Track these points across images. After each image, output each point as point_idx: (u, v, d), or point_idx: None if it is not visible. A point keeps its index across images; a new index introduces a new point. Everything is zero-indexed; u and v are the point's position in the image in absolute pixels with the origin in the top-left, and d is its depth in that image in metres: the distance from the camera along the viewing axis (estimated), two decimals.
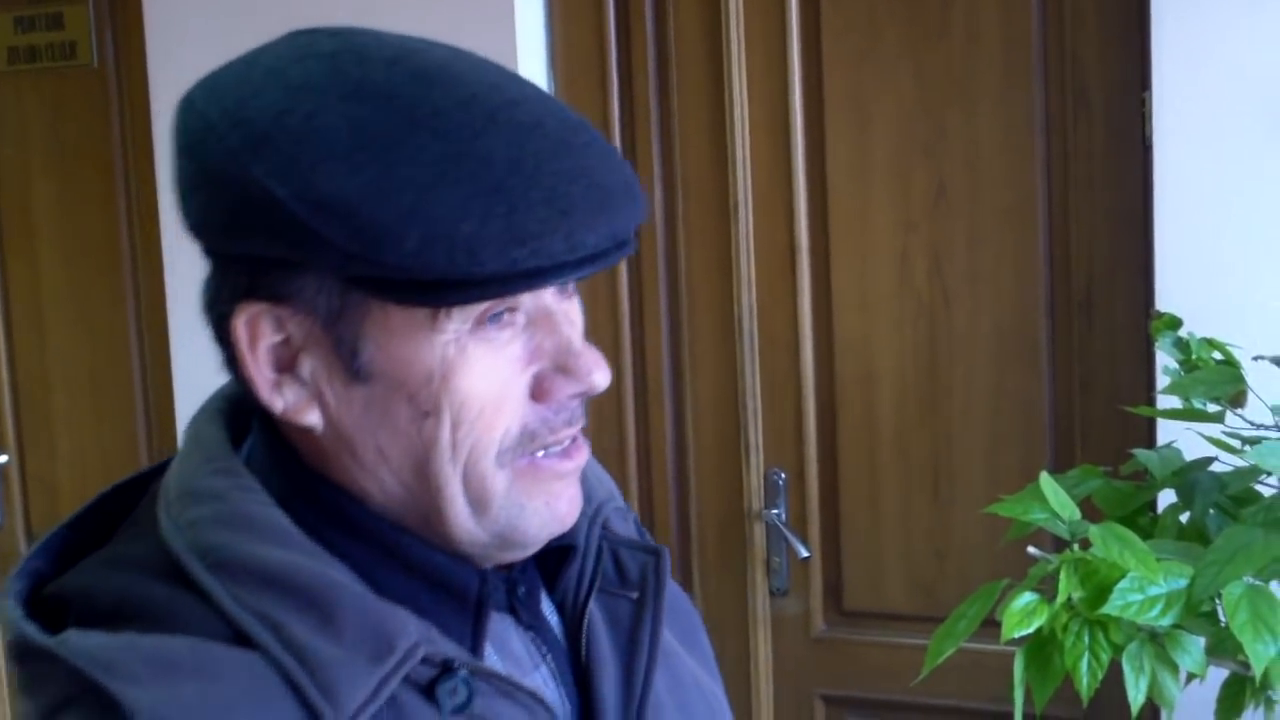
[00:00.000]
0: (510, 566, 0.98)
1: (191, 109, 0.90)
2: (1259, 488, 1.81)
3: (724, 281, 2.76)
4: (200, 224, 0.91)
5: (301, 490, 0.93)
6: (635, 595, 1.04)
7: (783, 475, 2.73)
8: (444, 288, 0.84)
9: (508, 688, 0.91)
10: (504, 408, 0.89)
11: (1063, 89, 2.48)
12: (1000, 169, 2.54)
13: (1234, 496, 1.81)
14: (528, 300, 0.90)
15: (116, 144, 3.34)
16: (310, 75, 0.87)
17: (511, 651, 0.97)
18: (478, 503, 0.91)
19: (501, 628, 0.97)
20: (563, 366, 0.91)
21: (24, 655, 0.87)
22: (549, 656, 0.99)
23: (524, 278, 0.84)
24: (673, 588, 1.12)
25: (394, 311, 0.86)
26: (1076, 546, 1.66)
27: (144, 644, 0.83)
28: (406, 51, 0.89)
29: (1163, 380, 2.02)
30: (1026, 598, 1.65)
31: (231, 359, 0.92)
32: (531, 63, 2.83)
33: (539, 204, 0.83)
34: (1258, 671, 1.56)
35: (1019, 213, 2.53)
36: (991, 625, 1.68)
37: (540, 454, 0.92)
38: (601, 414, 2.89)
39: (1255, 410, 1.85)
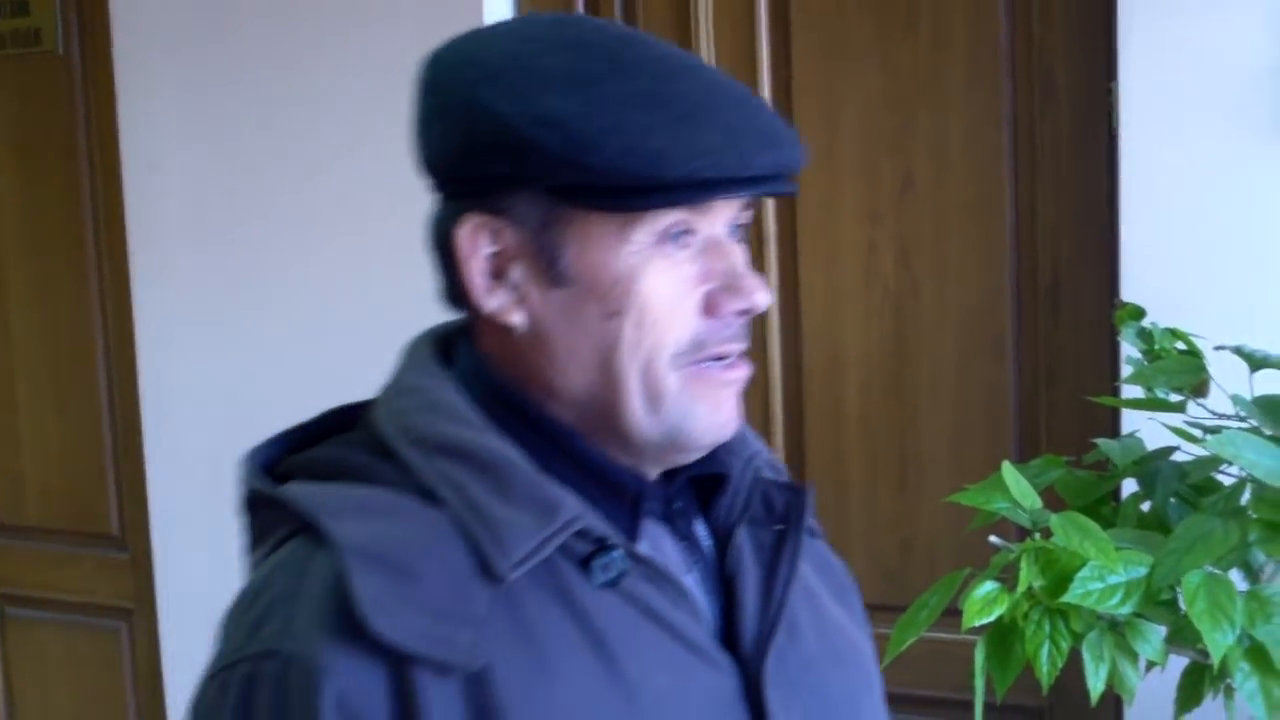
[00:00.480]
0: (671, 482, 1.12)
1: (436, 61, 1.09)
2: (1219, 477, 1.82)
3: None
4: (437, 154, 1.08)
5: (494, 393, 1.08)
6: (780, 527, 1.16)
7: None
8: (636, 193, 1.00)
9: (656, 574, 1.05)
10: (678, 316, 1.04)
11: (1029, 81, 2.49)
12: (967, 161, 2.54)
13: (1195, 485, 1.82)
14: (703, 229, 1.05)
15: (81, 131, 3.33)
16: (534, 32, 1.05)
17: (664, 552, 1.10)
18: (652, 399, 1.05)
19: (657, 533, 1.11)
20: (730, 286, 1.05)
21: (255, 505, 1.09)
22: (699, 567, 1.12)
23: (702, 187, 1.00)
24: (828, 552, 1.31)
25: (592, 222, 1.02)
26: (1038, 535, 1.67)
27: (350, 492, 1.03)
28: (610, 23, 1.10)
29: (1126, 370, 2.03)
30: (987, 587, 1.66)
31: (450, 279, 1.09)
32: None
33: (719, 130, 1.00)
34: (1215, 660, 1.57)
35: (985, 204, 2.54)
36: (954, 614, 1.69)
37: (707, 364, 1.06)
38: None
39: (1217, 400, 1.85)
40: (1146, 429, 2.01)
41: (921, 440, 2.62)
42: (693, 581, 1.11)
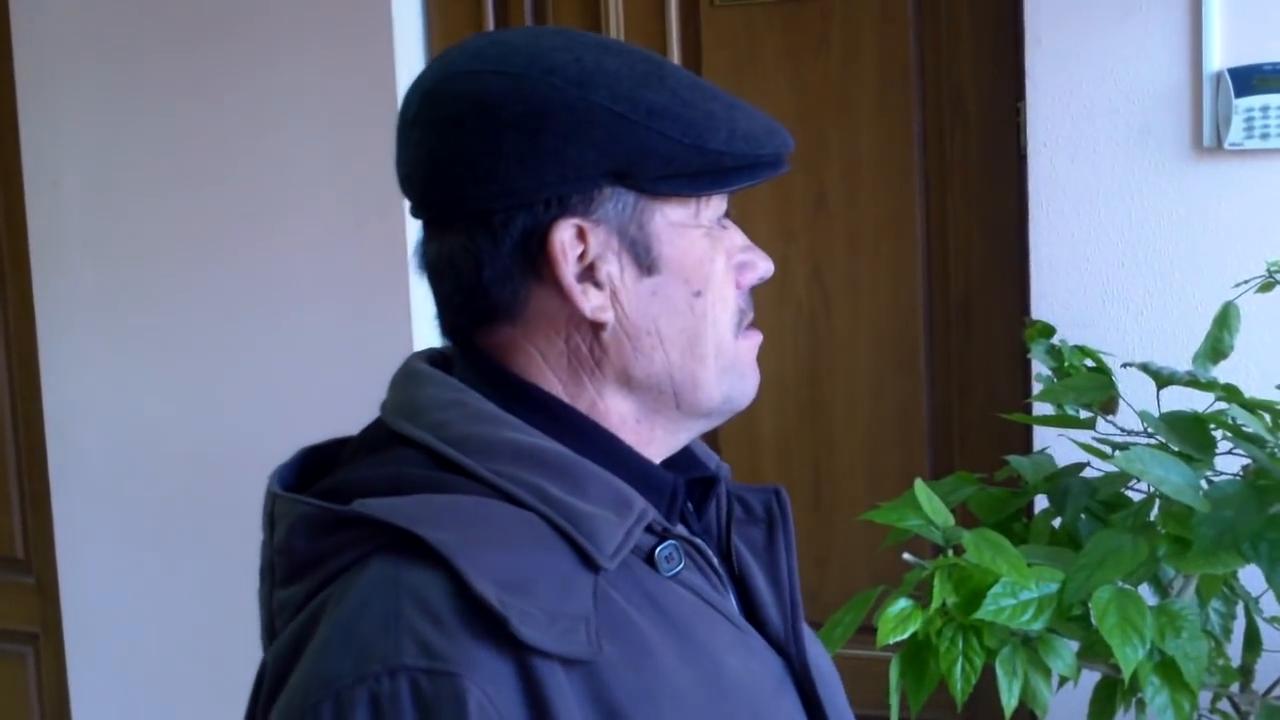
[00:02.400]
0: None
1: (474, 78, 1.06)
2: (1128, 493, 1.84)
3: None
4: (515, 167, 1.05)
5: (516, 400, 1.08)
6: (764, 523, 1.20)
7: None
8: (734, 172, 1.07)
9: (704, 564, 1.09)
10: (729, 289, 1.09)
11: (939, 99, 2.51)
12: (879, 178, 2.56)
13: (1104, 501, 1.84)
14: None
15: None
16: (560, 40, 1.08)
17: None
18: (724, 368, 1.10)
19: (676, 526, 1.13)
20: (748, 261, 1.11)
21: (321, 528, 1.02)
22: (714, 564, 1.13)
23: (769, 165, 1.08)
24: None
25: (670, 210, 1.07)
26: (951, 552, 1.67)
27: (436, 500, 1.00)
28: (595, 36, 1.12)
29: (1037, 386, 2.05)
30: (901, 604, 1.66)
31: (480, 297, 1.08)
32: (410, 71, 2.80)
33: (754, 116, 1.07)
34: (1126, 674, 1.58)
35: (897, 222, 2.55)
36: (869, 630, 1.69)
37: (745, 331, 1.12)
38: None
39: (1125, 416, 1.87)
40: (1057, 445, 2.03)
41: (836, 457, 2.63)
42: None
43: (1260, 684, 1.88)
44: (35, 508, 3.31)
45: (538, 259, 1.06)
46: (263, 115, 2.90)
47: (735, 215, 1.13)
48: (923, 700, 1.71)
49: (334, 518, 1.01)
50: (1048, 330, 2.03)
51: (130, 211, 3.05)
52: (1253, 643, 1.88)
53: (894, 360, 2.57)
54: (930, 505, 1.70)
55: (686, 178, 1.06)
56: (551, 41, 1.07)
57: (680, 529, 1.09)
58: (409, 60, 2.81)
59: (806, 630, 1.20)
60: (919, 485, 1.72)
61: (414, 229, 3.04)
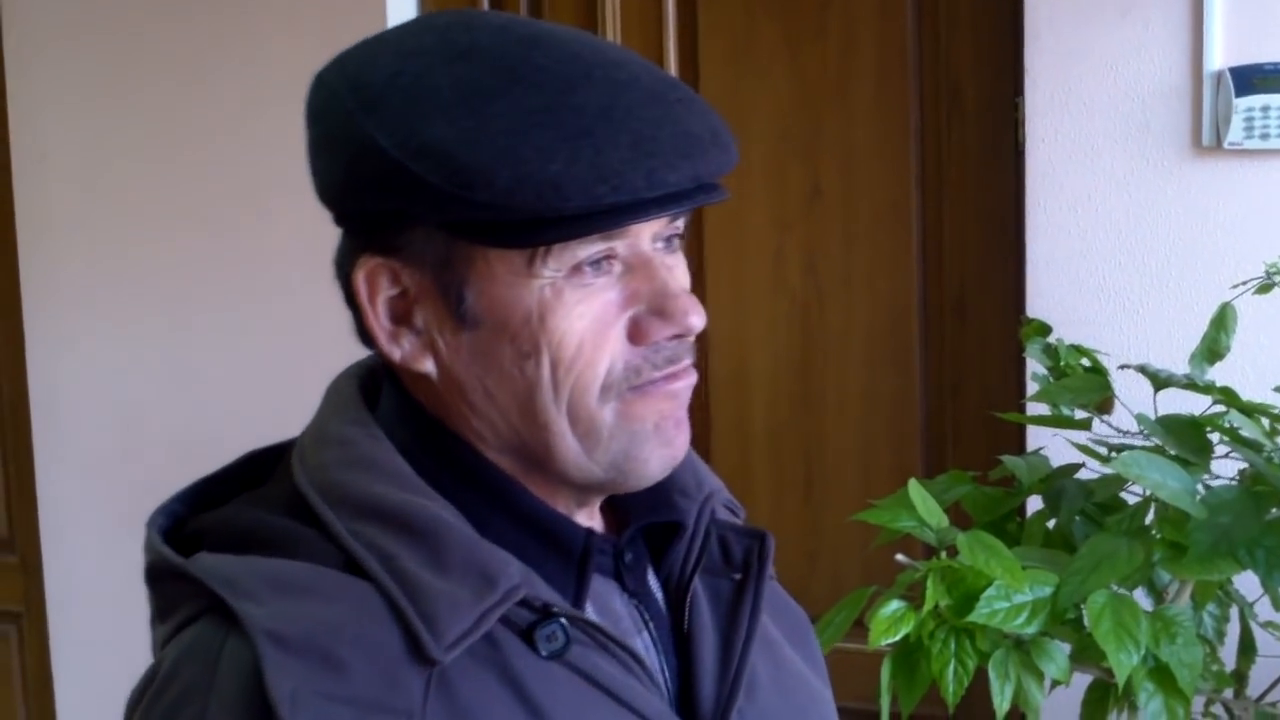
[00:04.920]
0: (619, 534, 1.03)
1: (319, 83, 0.99)
2: (1123, 495, 1.83)
3: None
4: (325, 187, 0.99)
5: (424, 441, 0.98)
6: (738, 576, 1.07)
7: None
8: (536, 227, 0.90)
9: (606, 641, 0.96)
10: (602, 348, 0.94)
11: (937, 93, 2.49)
12: (875, 171, 2.54)
13: (1100, 504, 1.83)
14: (624, 249, 0.94)
15: None
16: (423, 42, 0.94)
17: (614, 613, 1.01)
18: (586, 438, 0.95)
19: (605, 590, 1.01)
20: (658, 309, 0.95)
21: (160, 576, 0.97)
22: (651, 625, 1.03)
23: (608, 214, 0.90)
24: (783, 593, 1.20)
25: (494, 258, 0.92)
26: (944, 554, 1.66)
27: (264, 565, 0.91)
28: (515, 23, 0.97)
29: (1032, 385, 2.03)
30: (894, 605, 1.65)
31: (358, 318, 0.99)
32: None
33: (624, 146, 0.89)
34: (1120, 680, 1.58)
35: (893, 214, 2.54)
36: (859, 623, 1.69)
37: (644, 386, 0.96)
38: None
39: (1121, 417, 1.86)
40: (1051, 444, 2.02)
41: (827, 452, 2.62)
42: (645, 643, 1.02)
43: (1254, 689, 1.87)
44: (20, 486, 3.29)
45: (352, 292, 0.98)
46: (255, 94, 2.87)
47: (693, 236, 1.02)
48: (914, 702, 1.70)
49: (169, 570, 0.95)
50: (1044, 329, 2.02)
51: (120, 190, 3.03)
52: (1247, 648, 1.87)
53: (887, 354, 2.56)
54: (924, 506, 1.69)
55: (490, 228, 0.91)
56: (398, 44, 0.96)
57: (559, 605, 0.94)
58: None
59: (789, 709, 1.09)
60: (913, 485, 1.71)
61: None
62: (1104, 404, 1.89)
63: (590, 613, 0.98)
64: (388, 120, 0.91)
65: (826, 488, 2.62)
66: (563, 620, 0.94)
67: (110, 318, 3.09)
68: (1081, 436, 1.88)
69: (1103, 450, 1.83)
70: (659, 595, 1.05)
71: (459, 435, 0.98)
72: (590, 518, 1.03)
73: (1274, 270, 1.90)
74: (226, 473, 1.07)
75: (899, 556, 1.69)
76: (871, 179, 2.54)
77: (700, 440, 2.64)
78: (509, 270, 0.93)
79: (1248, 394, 1.82)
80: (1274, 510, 1.65)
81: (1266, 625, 1.88)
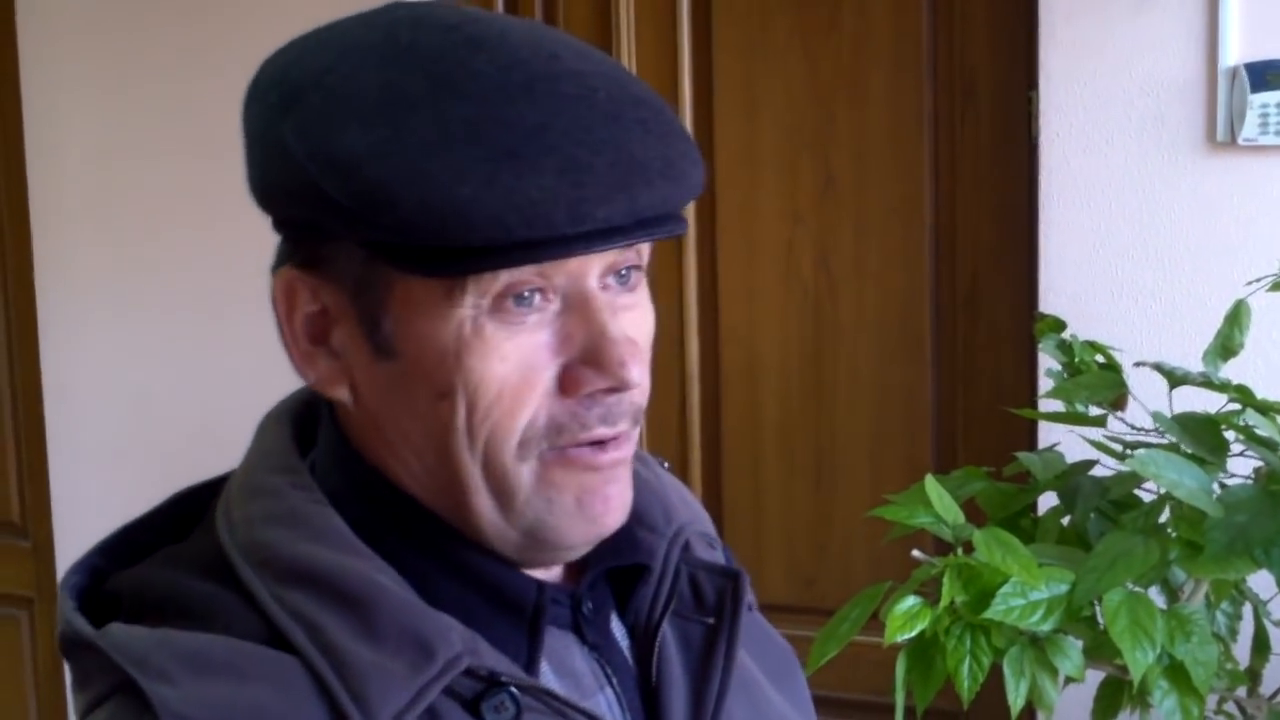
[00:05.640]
0: (577, 582, 0.94)
1: (257, 72, 0.90)
2: (1139, 493, 1.83)
3: None
4: (251, 187, 0.90)
5: (358, 488, 0.89)
6: (711, 620, 0.98)
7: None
8: (447, 256, 0.80)
9: (561, 706, 0.87)
10: (525, 396, 0.84)
11: (951, 85, 2.49)
12: (888, 163, 2.54)
13: (1115, 501, 1.83)
14: (564, 282, 0.84)
15: None
16: (365, 38, 0.85)
17: (572, 670, 0.92)
18: (501, 495, 0.86)
19: (562, 645, 0.92)
20: (591, 357, 0.84)
21: (73, 648, 0.86)
22: (614, 679, 0.94)
23: (523, 249, 0.79)
24: (766, 627, 1.10)
25: (413, 284, 0.83)
26: (959, 550, 1.67)
27: (179, 641, 0.82)
28: (470, 20, 0.85)
29: (1044, 379, 2.04)
30: (910, 601, 1.66)
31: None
32: None
33: (549, 172, 0.78)
34: (1135, 678, 1.58)
35: (906, 207, 2.54)
36: (874, 618, 1.69)
37: (571, 449, 0.86)
38: None
39: (1136, 413, 1.87)
40: (1064, 441, 2.03)
41: (838, 443, 2.62)
42: (608, 699, 0.93)
43: (1267, 688, 1.88)
44: (32, 472, 3.31)
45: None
46: None
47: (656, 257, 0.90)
48: (929, 698, 1.71)
49: (79, 641, 0.85)
50: (1058, 325, 2.02)
51: (133, 180, 3.04)
52: (1261, 647, 1.88)
53: (899, 347, 2.56)
54: (941, 502, 1.69)
55: (401, 251, 0.81)
56: (342, 37, 0.87)
57: (507, 673, 0.85)
58: None
59: None
60: (929, 481, 1.71)
61: None
62: (1119, 401, 1.89)
63: (545, 673, 0.90)
64: (302, 124, 0.82)
65: (836, 480, 2.63)
66: (512, 689, 0.85)
67: (123, 306, 3.10)
68: (1095, 433, 1.89)
69: (1117, 447, 1.84)
70: (624, 644, 0.96)
71: (387, 477, 0.89)
72: (546, 568, 0.93)
73: None
74: (152, 518, 0.97)
75: (915, 552, 1.70)
76: (884, 171, 2.55)
77: (711, 431, 2.66)
78: (428, 299, 0.83)
79: (1261, 390, 1.83)
80: None
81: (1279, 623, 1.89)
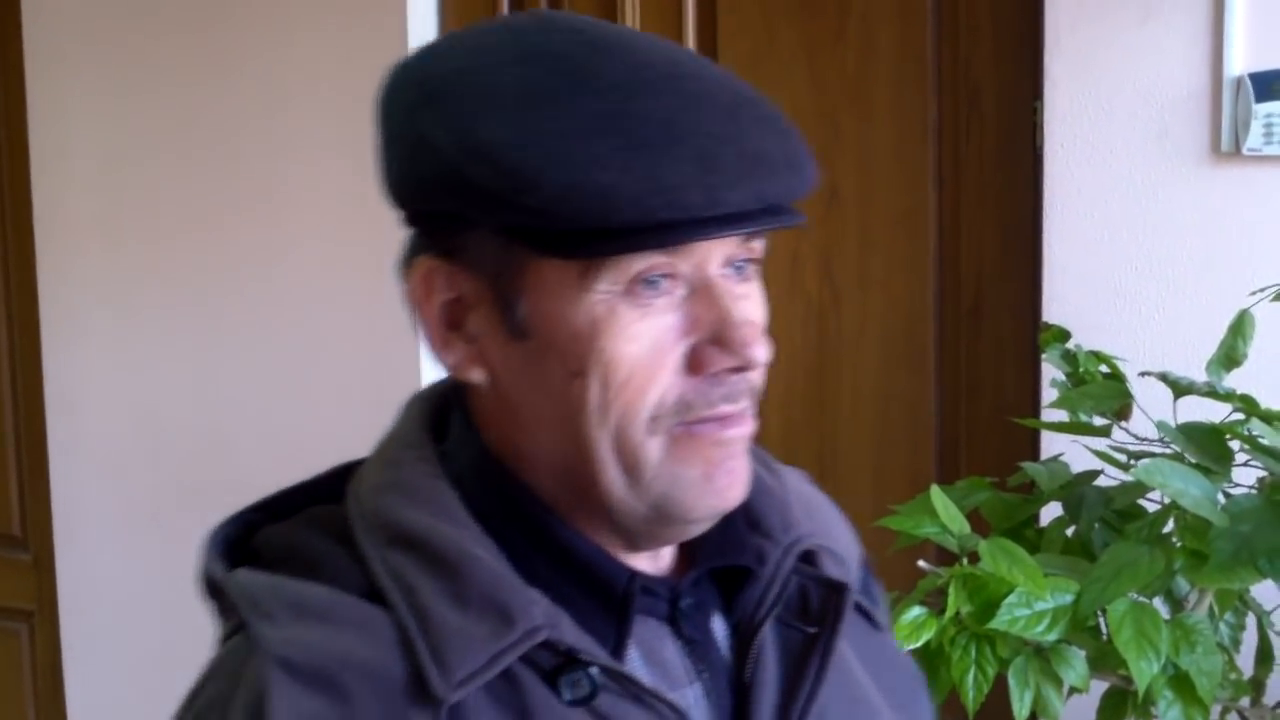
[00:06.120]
0: (679, 577, 0.98)
1: (390, 76, 0.96)
2: (1143, 503, 1.83)
3: None
4: (387, 184, 0.96)
5: (477, 468, 0.95)
6: (813, 630, 1.01)
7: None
8: (586, 238, 0.86)
9: (640, 692, 0.91)
10: (655, 375, 0.89)
11: (956, 96, 2.49)
12: (893, 174, 2.54)
13: (1119, 511, 1.83)
14: (689, 270, 0.90)
15: None
16: (496, 40, 0.91)
17: (662, 661, 0.96)
18: (630, 470, 0.91)
19: (655, 636, 0.97)
20: (718, 338, 0.89)
21: (210, 590, 0.97)
22: (705, 675, 0.98)
23: (661, 230, 0.85)
24: (894, 648, 1.14)
25: (548, 268, 0.88)
26: (965, 560, 1.67)
27: (287, 587, 0.90)
28: (592, 25, 0.93)
29: (1048, 389, 2.04)
30: (915, 611, 1.66)
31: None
32: (423, 43, 2.79)
33: (684, 160, 0.84)
34: (1140, 688, 1.58)
35: (910, 218, 2.54)
36: None
37: (697, 425, 0.91)
38: None
39: (1140, 423, 1.86)
40: (1069, 451, 2.02)
41: (841, 453, 2.62)
42: (696, 694, 0.96)
43: (1271, 698, 1.87)
44: (34, 484, 3.30)
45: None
46: (274, 96, 2.88)
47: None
48: (935, 708, 1.70)
49: (213, 585, 0.96)
50: (1063, 335, 2.02)
51: (137, 189, 3.03)
52: (1265, 657, 1.87)
53: (902, 358, 2.56)
54: (947, 513, 1.69)
55: (541, 235, 0.87)
56: (473, 41, 0.93)
57: (588, 652, 0.90)
58: (423, 40, 2.78)
59: None
60: (935, 491, 1.71)
61: None
62: (1123, 411, 1.89)
63: (634, 660, 0.94)
64: (445, 117, 0.88)
65: (839, 490, 2.59)
66: (592, 669, 0.90)
67: (126, 316, 3.09)
68: (1100, 443, 1.89)
69: (1122, 457, 1.83)
70: (723, 641, 1.00)
71: (506, 460, 0.95)
72: (654, 560, 0.99)
73: None
74: (313, 483, 1.05)
75: (921, 563, 1.69)
76: (889, 182, 2.54)
77: None
78: (562, 282, 0.88)
79: (1265, 400, 1.82)
80: None
81: None
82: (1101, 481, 1.89)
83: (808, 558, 1.05)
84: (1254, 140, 2.22)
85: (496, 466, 0.95)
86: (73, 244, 3.12)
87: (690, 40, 2.64)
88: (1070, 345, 2.00)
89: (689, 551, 1.00)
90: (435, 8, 2.82)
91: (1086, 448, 1.89)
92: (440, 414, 1.00)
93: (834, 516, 1.15)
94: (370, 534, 0.93)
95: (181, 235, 3.01)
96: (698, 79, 0.90)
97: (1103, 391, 1.88)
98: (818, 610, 1.02)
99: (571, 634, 0.90)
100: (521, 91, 0.87)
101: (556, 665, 0.89)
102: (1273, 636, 1.88)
